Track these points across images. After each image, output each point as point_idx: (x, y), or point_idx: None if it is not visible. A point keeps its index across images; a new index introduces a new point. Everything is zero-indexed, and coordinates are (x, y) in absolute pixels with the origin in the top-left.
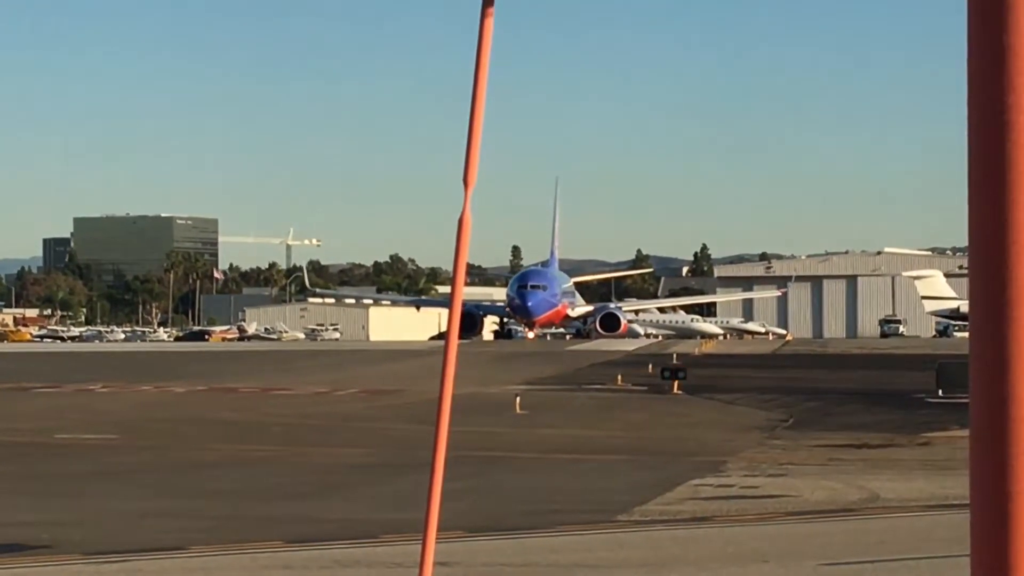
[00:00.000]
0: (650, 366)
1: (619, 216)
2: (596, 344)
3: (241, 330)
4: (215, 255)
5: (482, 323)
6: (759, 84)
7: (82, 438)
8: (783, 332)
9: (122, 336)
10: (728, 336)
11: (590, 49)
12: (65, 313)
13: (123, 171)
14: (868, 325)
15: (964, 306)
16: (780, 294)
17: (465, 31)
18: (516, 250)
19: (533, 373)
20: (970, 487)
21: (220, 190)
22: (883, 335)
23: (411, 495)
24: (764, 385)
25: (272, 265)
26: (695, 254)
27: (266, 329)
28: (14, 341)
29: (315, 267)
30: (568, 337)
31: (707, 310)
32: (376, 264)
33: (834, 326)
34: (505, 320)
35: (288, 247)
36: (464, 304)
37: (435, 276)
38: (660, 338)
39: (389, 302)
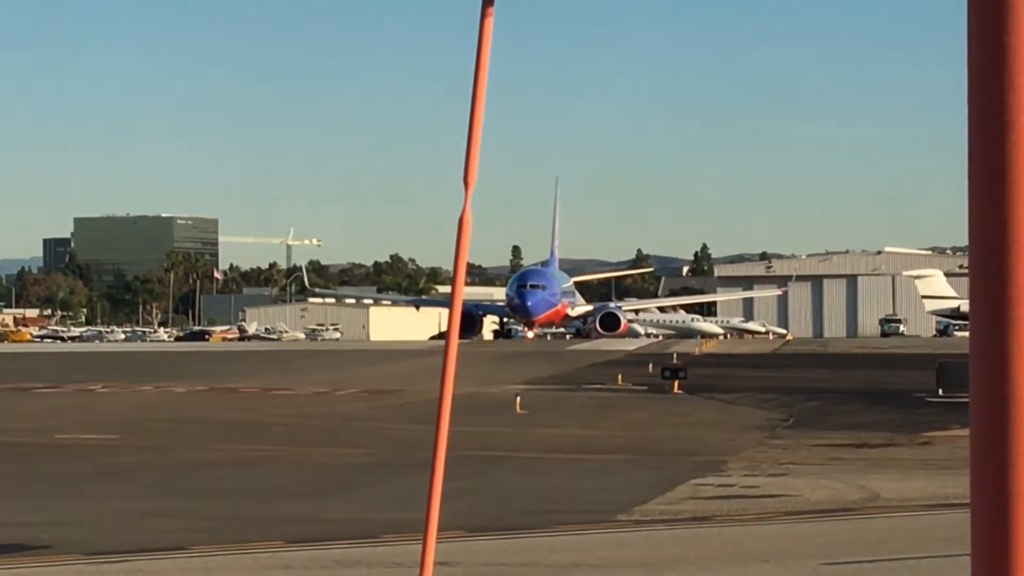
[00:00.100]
0: (650, 366)
1: (619, 216)
2: (596, 344)
3: (241, 330)
4: (215, 255)
5: (481, 323)
6: (759, 84)
7: (82, 438)
8: (783, 332)
9: (122, 336)
10: (728, 336)
11: (590, 49)
12: (65, 313)
13: (123, 171)
14: (868, 324)
15: (964, 305)
16: (780, 293)
17: (465, 31)
18: (516, 250)
19: (533, 373)
20: (970, 486)
21: (220, 190)
22: (883, 334)
23: (411, 495)
24: (764, 385)
25: (272, 265)
26: (695, 253)
27: (266, 329)
28: (14, 341)
29: (315, 267)
30: (568, 337)
31: (707, 310)
32: (376, 264)
33: (834, 326)
34: (505, 320)
35: (288, 247)
36: (463, 304)
37: (435, 276)
38: (660, 338)
39: (389, 302)
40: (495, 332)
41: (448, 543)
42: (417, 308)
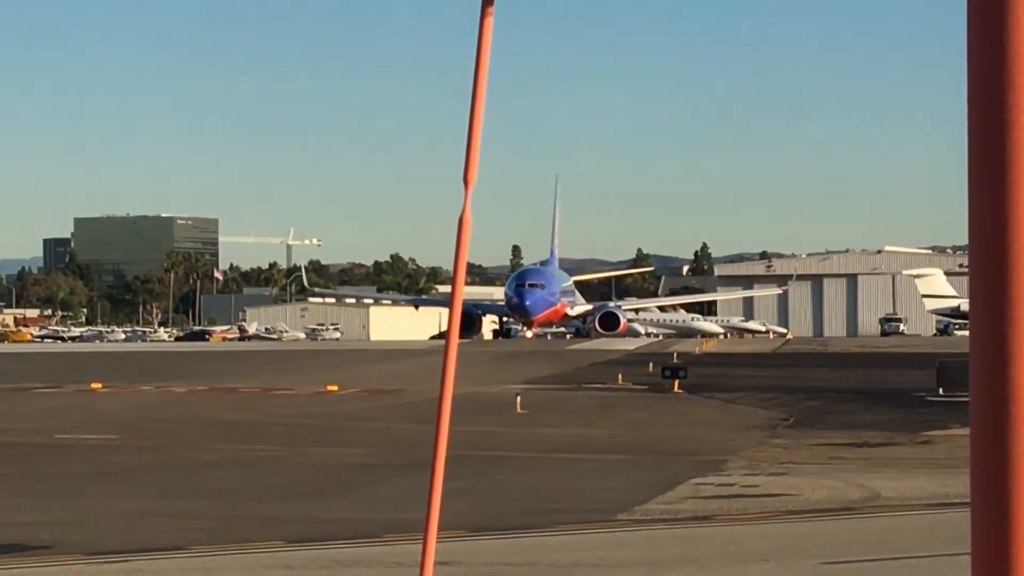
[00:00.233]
0: (651, 365)
1: (619, 215)
2: (596, 343)
3: (242, 330)
4: (215, 255)
5: (481, 322)
6: (759, 83)
7: (82, 438)
8: (783, 331)
9: (122, 336)
10: (728, 335)
11: (590, 48)
12: (65, 313)
13: (123, 171)
14: (868, 324)
15: (964, 304)
16: (780, 293)
17: (465, 31)
18: (516, 249)
19: (533, 372)
20: (971, 486)
21: (220, 190)
22: (884, 334)
23: (412, 495)
24: (765, 384)
25: (272, 265)
26: (695, 253)
27: (267, 329)
28: (15, 341)
29: (316, 267)
30: (568, 336)
31: (707, 309)
32: (376, 264)
33: (834, 325)
34: (504, 319)
35: (288, 247)
36: (462, 303)
37: (435, 276)
38: (660, 337)
39: (389, 302)
40: (494, 332)
41: (449, 543)
42: (416, 307)
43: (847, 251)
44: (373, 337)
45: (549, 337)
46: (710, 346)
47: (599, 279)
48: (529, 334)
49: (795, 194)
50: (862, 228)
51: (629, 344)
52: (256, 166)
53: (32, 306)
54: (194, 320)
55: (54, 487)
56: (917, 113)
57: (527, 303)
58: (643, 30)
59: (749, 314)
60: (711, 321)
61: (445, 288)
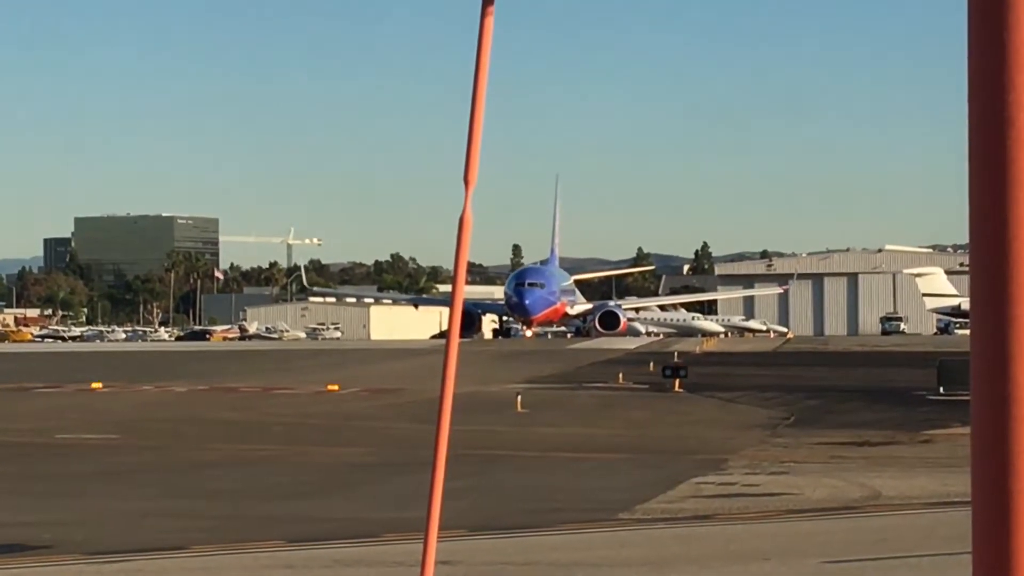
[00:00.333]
0: (651, 364)
1: (620, 214)
2: (597, 342)
3: (242, 329)
4: (216, 255)
5: (481, 322)
6: (759, 83)
7: (83, 438)
8: (784, 330)
9: (123, 336)
10: (729, 334)
11: (590, 48)
12: (66, 313)
13: (123, 171)
14: (869, 323)
15: (965, 303)
16: (781, 292)
17: (465, 31)
18: (517, 249)
19: (534, 372)
20: (971, 485)
21: (220, 190)
22: (884, 333)
23: (412, 494)
24: (765, 383)
25: (273, 264)
26: (696, 252)
27: (267, 328)
28: (15, 341)
29: (316, 266)
30: (568, 335)
31: (708, 308)
32: (377, 263)
33: (835, 324)
34: (504, 318)
35: (289, 246)
36: (462, 303)
37: (436, 275)
38: (661, 336)
39: (390, 301)
40: (494, 331)
41: (449, 542)
42: (415, 307)
43: (848, 250)
44: (373, 336)
45: (549, 336)
46: (711, 345)
47: (599, 278)
48: (529, 333)
49: (795, 193)
50: (862, 227)
51: (629, 343)
52: (256, 166)
53: (32, 306)
54: (194, 320)
55: (54, 487)
56: (917, 113)
57: (527, 302)
58: (643, 30)
59: (750, 313)
60: (712, 320)
61: (445, 287)
